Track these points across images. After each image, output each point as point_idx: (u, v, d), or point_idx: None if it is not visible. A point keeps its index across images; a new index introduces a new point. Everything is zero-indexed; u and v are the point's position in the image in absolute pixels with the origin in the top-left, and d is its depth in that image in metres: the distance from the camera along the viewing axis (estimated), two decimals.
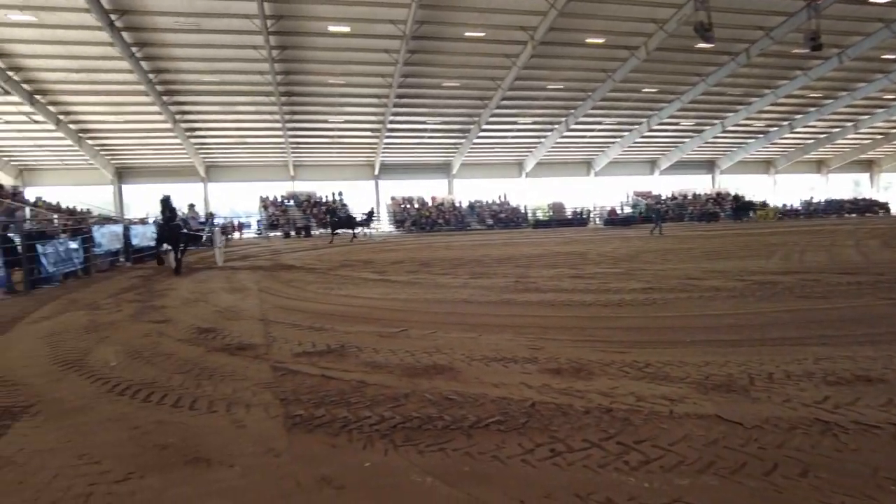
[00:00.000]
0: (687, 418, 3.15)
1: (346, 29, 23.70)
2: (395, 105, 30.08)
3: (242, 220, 35.98)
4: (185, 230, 13.68)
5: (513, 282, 9.39)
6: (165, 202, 12.66)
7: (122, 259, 16.46)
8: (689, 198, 42.69)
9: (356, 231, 27.21)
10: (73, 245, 12.97)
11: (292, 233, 33.04)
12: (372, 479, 2.62)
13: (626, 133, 37.85)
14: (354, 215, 29.78)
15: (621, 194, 42.45)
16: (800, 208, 43.23)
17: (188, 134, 31.40)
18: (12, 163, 32.67)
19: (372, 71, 27.16)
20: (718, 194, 42.65)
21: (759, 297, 7.15)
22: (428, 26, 23.85)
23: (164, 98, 27.19)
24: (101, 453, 2.97)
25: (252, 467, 2.76)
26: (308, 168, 37.90)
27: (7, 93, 23.81)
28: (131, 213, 31.86)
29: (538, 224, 37.73)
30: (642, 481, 2.46)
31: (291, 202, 36.21)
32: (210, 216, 31.51)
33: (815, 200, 44.65)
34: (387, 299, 8.06)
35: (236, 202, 38.97)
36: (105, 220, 21.64)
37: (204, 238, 17.32)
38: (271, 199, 36.37)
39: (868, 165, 49.01)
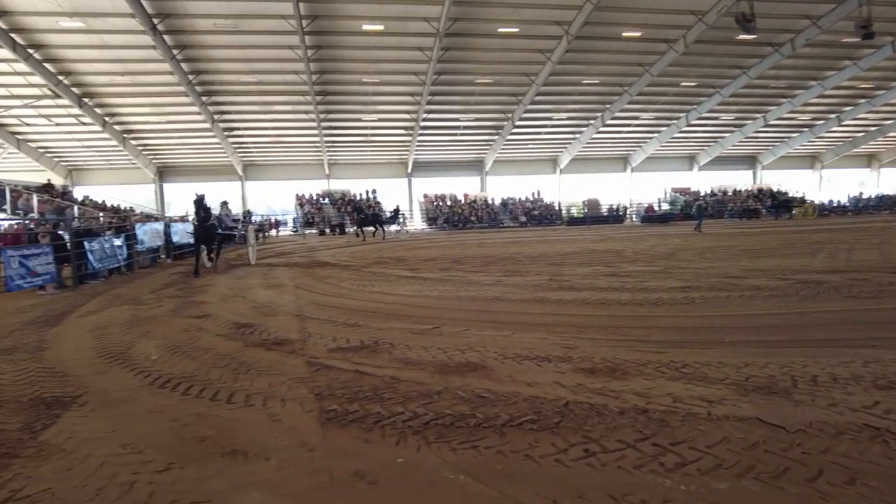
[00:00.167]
0: (725, 420, 3.07)
1: (379, 27, 23.84)
2: (428, 103, 30.14)
3: (279, 217, 36.66)
4: (219, 230, 13.66)
5: (546, 280, 9.31)
6: (199, 203, 12.35)
7: (162, 256, 16.99)
8: (730, 194, 41.50)
9: (383, 229, 27.36)
10: (118, 242, 13.44)
11: (327, 230, 33.51)
12: (405, 474, 2.63)
13: (663, 128, 37.03)
14: (380, 213, 30.00)
15: (659, 190, 41.55)
16: (847, 204, 41.48)
17: (226, 133, 32.14)
18: (62, 163, 34.03)
19: (405, 69, 27.27)
20: (760, 190, 41.29)
21: (802, 296, 6.90)
22: (461, 23, 23.80)
23: (204, 99, 27.90)
24: (144, 443, 3.08)
25: (287, 461, 2.81)
26: (342, 166, 38.36)
27: (58, 96, 24.81)
28: (172, 211, 32.84)
29: (572, 221, 37.24)
30: (678, 484, 2.41)
31: (326, 200, 36.72)
32: (247, 214, 32.26)
33: (864, 196, 42.75)
34: (419, 296, 8.09)
35: (273, 200, 39.75)
36: (147, 217, 22.39)
37: (237, 236, 17.60)
38: (307, 197, 36.97)
39: None
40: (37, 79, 23.60)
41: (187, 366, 4.67)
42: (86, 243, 11.86)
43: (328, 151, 35.66)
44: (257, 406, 3.65)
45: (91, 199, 29.73)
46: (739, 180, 43.42)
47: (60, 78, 24.32)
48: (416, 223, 37.26)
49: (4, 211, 24.90)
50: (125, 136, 31.13)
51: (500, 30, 24.93)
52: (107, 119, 28.89)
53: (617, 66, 29.10)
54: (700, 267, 10.50)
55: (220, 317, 6.99)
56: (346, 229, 33.16)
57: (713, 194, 41.21)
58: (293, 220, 36.39)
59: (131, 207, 29.35)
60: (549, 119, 34.27)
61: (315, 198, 37.00)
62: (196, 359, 4.90)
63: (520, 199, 39.45)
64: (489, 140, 36.31)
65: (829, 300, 6.61)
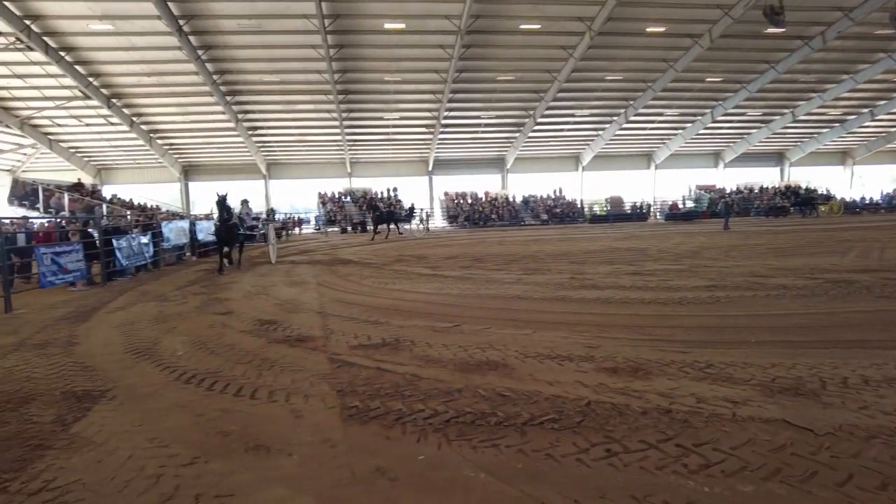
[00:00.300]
0: (751, 422, 3.01)
1: (401, 26, 23.89)
2: (450, 100, 30.12)
3: (302, 215, 37.04)
4: (241, 229, 13.76)
5: (568, 278, 9.24)
6: (221, 203, 12.40)
7: (188, 253, 17.30)
8: (756, 191, 40.66)
9: (398, 226, 27.37)
10: (144, 240, 13.72)
11: (349, 228, 33.75)
12: (425, 472, 2.64)
13: (688, 124, 36.43)
14: (395, 211, 30.11)
15: (683, 188, 40.92)
16: (880, 202, 40.27)
17: (250, 132, 32.55)
18: (92, 163, 34.84)
19: (427, 67, 27.29)
20: (787, 187, 40.37)
21: (832, 296, 6.74)
22: (483, 20, 23.72)
23: (228, 98, 28.29)
24: (170, 437, 3.14)
25: (309, 456, 2.84)
26: (364, 165, 38.57)
27: (87, 97, 25.42)
28: (196, 209, 33.39)
29: (595, 219, 36.89)
30: (702, 485, 2.38)
31: (348, 198, 36.99)
32: (271, 212, 32.65)
33: None
34: (440, 294, 8.10)
35: (296, 199, 40.15)
36: (173, 216, 22.80)
37: (258, 235, 17.78)
38: (329, 195, 37.29)
39: None
40: (68, 80, 24.20)
41: (212, 362, 4.75)
42: (114, 241, 12.13)
43: (350, 150, 35.89)
44: (280, 402, 3.69)
45: (119, 198, 30.39)
46: (766, 177, 42.51)
47: (90, 79, 24.90)
48: (437, 221, 37.29)
49: (38, 209, 25.64)
50: (152, 135, 31.75)
51: (522, 26, 24.78)
52: (134, 119, 29.49)
53: (640, 62, 28.72)
54: (725, 265, 10.32)
55: (243, 313, 7.09)
56: (368, 227, 33.37)
57: (739, 192, 40.43)
58: (315, 218, 36.74)
59: (158, 206, 29.91)
60: (572, 116, 33.98)
61: (337, 196, 37.31)
62: (220, 355, 4.99)
63: (541, 197, 39.21)
64: (510, 137, 36.15)
65: (860, 300, 6.44)
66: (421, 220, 30.77)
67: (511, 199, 38.72)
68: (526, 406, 3.39)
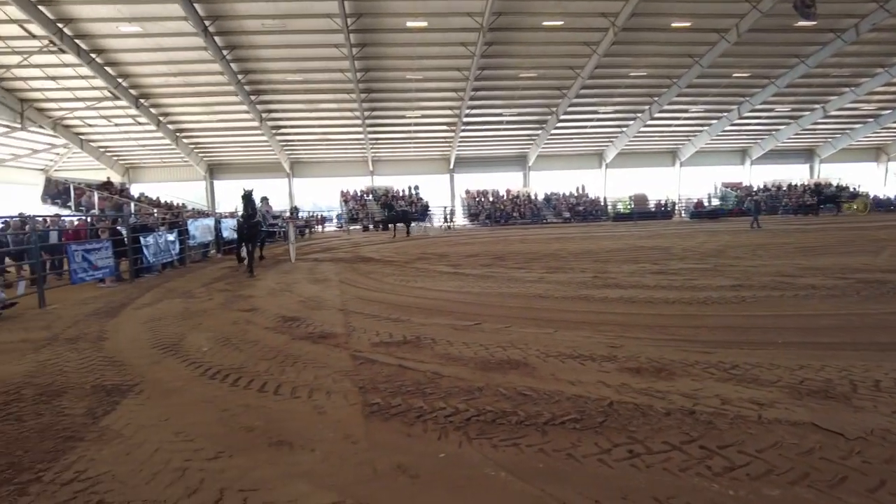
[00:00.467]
0: (778, 424, 2.95)
1: (423, 24, 23.92)
2: (471, 98, 30.07)
3: (324, 213, 37.39)
4: (263, 227, 13.73)
5: (591, 277, 9.16)
6: (247, 198, 12.18)
7: (213, 250, 17.57)
8: (784, 189, 39.76)
9: (409, 227, 27.40)
10: (171, 237, 13.98)
11: (371, 226, 33.95)
12: (446, 469, 2.65)
13: (714, 121, 35.79)
14: (409, 210, 30.15)
15: (709, 185, 40.24)
16: None
17: (274, 131, 32.96)
18: (120, 161, 35.67)
19: (449, 65, 27.28)
20: (817, 185, 39.36)
21: (864, 296, 6.56)
22: (505, 17, 23.62)
23: (252, 98, 28.67)
24: (195, 432, 3.20)
25: (331, 453, 2.87)
26: (386, 163, 38.77)
27: (116, 98, 26.01)
28: (221, 207, 33.96)
29: (619, 217, 36.52)
30: (726, 488, 2.34)
31: (370, 196, 37.23)
32: (294, 210, 33.02)
33: None
34: (461, 292, 8.10)
35: (319, 197, 40.57)
36: (198, 213, 23.20)
37: (279, 234, 17.86)
38: (351, 193, 37.57)
39: None
40: (98, 82, 24.78)
41: (236, 358, 4.83)
42: (141, 238, 12.39)
43: (372, 148, 36.10)
44: (303, 398, 3.74)
45: (146, 196, 31.06)
46: (795, 174, 41.54)
47: (119, 80, 25.47)
48: (458, 219, 37.29)
49: (69, 207, 26.32)
50: (178, 134, 32.37)
51: (545, 23, 24.60)
52: (161, 119, 30.09)
53: (665, 58, 28.29)
54: (752, 265, 10.12)
55: (267, 310, 7.18)
56: (389, 225, 33.54)
57: (766, 189, 39.58)
58: (337, 216, 37.05)
59: (184, 204, 30.48)
60: (595, 112, 33.66)
61: (359, 194, 37.56)
62: (244, 351, 5.06)
63: (564, 195, 38.93)
64: (532, 135, 35.95)
65: (893, 301, 6.26)
66: (445, 219, 30.68)
67: (533, 197, 38.51)
68: (547, 405, 3.37)
